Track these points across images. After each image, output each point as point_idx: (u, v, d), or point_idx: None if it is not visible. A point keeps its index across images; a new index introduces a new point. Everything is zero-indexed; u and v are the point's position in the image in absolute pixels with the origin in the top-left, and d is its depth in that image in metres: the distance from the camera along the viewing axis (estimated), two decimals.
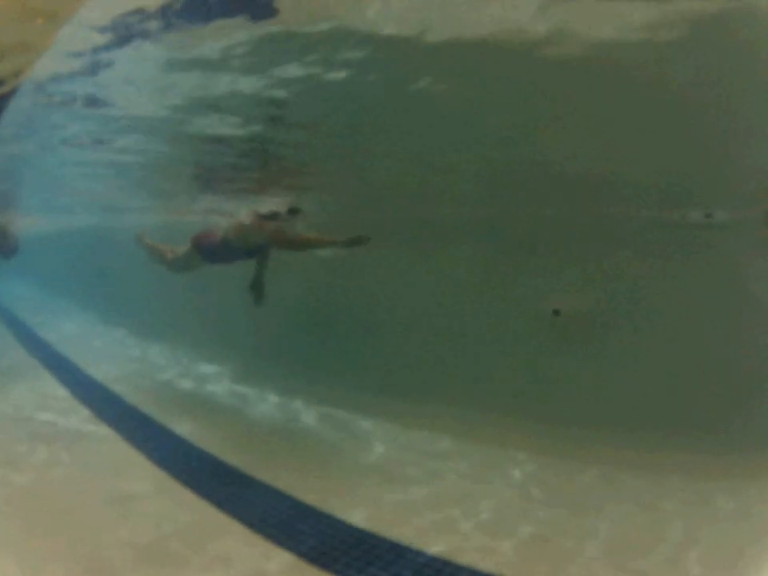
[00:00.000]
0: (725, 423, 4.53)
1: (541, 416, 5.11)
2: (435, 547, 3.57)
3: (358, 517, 3.91)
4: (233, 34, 2.49)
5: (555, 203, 5.62)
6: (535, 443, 4.99)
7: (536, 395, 5.42)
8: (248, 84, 3.05)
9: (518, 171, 4.65)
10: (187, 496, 4.08)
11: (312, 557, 3.41)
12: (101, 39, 2.61)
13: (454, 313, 6.02)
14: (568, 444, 4.87)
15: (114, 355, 8.24)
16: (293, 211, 5.38)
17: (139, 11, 2.37)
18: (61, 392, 6.22)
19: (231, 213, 5.91)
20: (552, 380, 5.45)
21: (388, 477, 4.63)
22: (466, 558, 3.49)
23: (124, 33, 2.53)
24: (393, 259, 6.07)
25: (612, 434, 4.74)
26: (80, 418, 5.45)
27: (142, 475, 4.35)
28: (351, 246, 4.83)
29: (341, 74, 2.81)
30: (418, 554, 3.50)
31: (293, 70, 2.84)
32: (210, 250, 5.54)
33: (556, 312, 5.53)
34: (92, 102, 3.52)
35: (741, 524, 3.94)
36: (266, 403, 6.38)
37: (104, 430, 5.22)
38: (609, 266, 5.32)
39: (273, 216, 5.31)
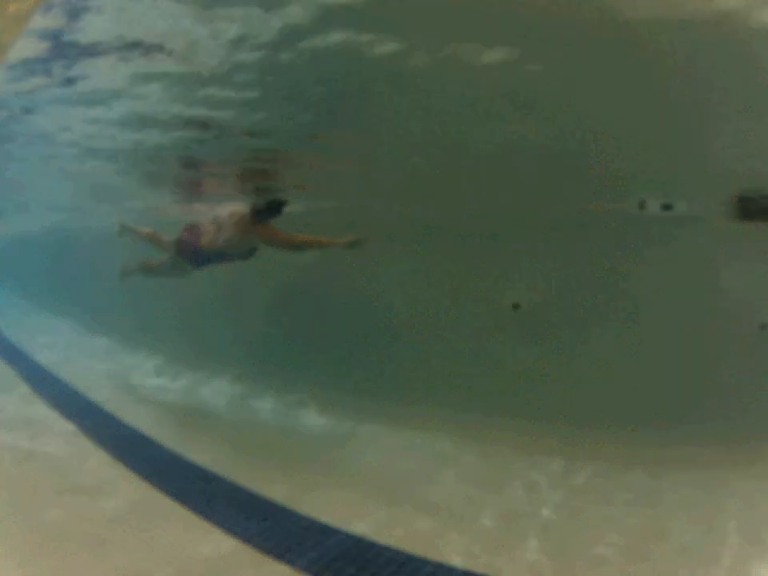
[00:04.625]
0: (701, 415, 4.62)
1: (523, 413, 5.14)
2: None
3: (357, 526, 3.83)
4: None
5: (517, 195, 5.54)
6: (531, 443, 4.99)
7: (509, 391, 5.43)
8: None
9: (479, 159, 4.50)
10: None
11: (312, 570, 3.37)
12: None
13: (426, 309, 5.97)
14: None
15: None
16: (278, 203, 5.06)
17: None
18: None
19: (213, 211, 5.56)
20: (519, 374, 5.45)
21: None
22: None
23: None
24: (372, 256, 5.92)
25: (578, 429, 4.79)
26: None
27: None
28: (348, 249, 4.64)
29: None
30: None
31: None
32: (197, 254, 5.20)
33: (515, 306, 5.54)
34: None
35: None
36: (249, 407, 6.28)
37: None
38: (572, 258, 5.32)
39: (260, 212, 4.98)
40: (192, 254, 5.26)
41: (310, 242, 4.82)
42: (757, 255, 4.86)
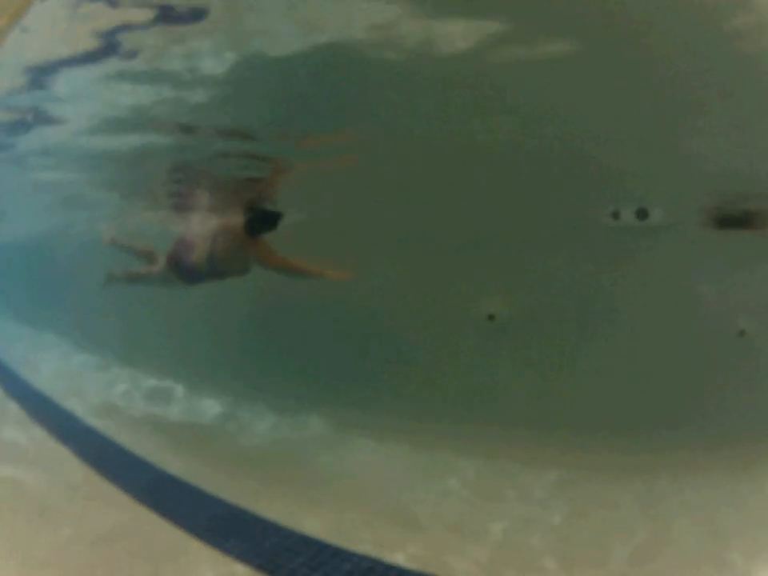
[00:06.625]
0: (697, 419, 4.65)
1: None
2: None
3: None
4: None
5: (494, 203, 5.54)
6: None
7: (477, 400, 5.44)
8: None
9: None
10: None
11: None
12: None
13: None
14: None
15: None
16: (273, 216, 4.83)
17: None
18: None
19: (204, 224, 5.40)
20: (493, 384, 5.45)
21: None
22: None
23: None
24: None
25: (556, 437, 4.79)
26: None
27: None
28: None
29: None
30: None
31: None
32: (189, 270, 4.95)
33: (491, 317, 5.52)
34: None
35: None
36: (235, 420, 6.20)
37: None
38: (547, 269, 5.31)
39: (253, 225, 4.76)
40: (183, 269, 5.02)
41: (303, 269, 4.66)
42: (736, 263, 4.94)
